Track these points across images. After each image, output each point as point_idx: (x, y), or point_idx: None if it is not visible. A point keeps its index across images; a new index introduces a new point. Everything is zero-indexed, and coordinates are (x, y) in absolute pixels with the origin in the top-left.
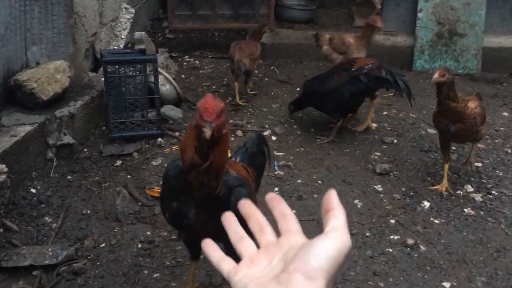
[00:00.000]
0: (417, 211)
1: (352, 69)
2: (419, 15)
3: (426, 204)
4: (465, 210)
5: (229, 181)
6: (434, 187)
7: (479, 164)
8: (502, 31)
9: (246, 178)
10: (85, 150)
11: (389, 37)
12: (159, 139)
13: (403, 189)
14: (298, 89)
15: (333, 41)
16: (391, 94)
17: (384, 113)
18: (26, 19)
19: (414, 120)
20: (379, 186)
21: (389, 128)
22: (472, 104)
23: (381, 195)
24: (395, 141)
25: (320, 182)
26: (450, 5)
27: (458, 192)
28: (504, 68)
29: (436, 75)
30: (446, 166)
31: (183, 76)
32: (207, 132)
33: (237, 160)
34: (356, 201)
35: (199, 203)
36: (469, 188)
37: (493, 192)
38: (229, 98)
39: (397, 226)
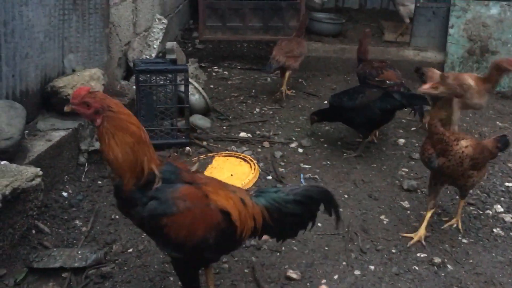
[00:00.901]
0: (445, 229)
1: (376, 79)
2: (450, 31)
3: (455, 223)
4: (494, 230)
5: (149, 188)
6: (408, 235)
7: (510, 184)
8: None
9: (182, 198)
10: None
11: (418, 53)
12: (187, 148)
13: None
14: (325, 102)
15: (446, 80)
16: None
17: (412, 128)
18: (64, 27)
19: None
20: (406, 202)
21: (417, 144)
22: (464, 142)
23: (408, 212)
24: None
25: (346, 196)
26: (482, 22)
27: (487, 211)
28: None
29: (426, 85)
30: (428, 214)
31: (211, 86)
32: (66, 108)
33: (252, 196)
34: (382, 217)
35: (115, 192)
36: (499, 208)
37: None
38: (256, 110)
39: (423, 244)
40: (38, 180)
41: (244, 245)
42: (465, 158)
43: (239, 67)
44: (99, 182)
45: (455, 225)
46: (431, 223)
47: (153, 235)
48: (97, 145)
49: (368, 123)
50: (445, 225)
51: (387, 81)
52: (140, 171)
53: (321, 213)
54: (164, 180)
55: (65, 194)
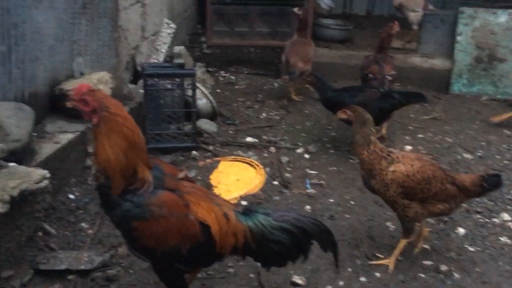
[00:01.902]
0: (451, 237)
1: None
2: (458, 38)
3: (461, 230)
4: (501, 238)
5: (132, 192)
6: (379, 262)
7: None
8: None
9: (159, 205)
10: None
11: (426, 60)
12: (194, 152)
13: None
14: None
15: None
16: (426, 117)
17: (419, 135)
18: (73, 31)
19: (450, 144)
20: None
21: (424, 152)
22: (396, 167)
23: None
24: None
25: (352, 202)
26: (490, 29)
27: (494, 220)
28: None
29: (339, 112)
30: (402, 243)
31: (218, 90)
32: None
33: (238, 213)
34: (388, 223)
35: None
36: (506, 217)
37: None
38: (263, 115)
39: (430, 252)
40: (46, 182)
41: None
42: (391, 185)
43: (246, 72)
44: None
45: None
46: (437, 231)
47: (124, 237)
48: None
49: None
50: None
51: (369, 75)
52: (131, 176)
53: (328, 219)
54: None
55: (72, 196)
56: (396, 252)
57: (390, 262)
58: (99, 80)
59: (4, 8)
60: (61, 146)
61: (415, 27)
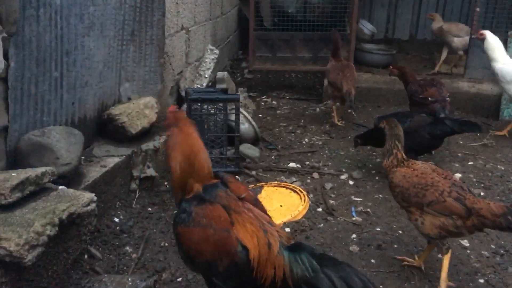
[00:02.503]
0: (509, 271)
1: (420, 96)
2: None
3: None
4: None
5: (186, 201)
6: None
7: None
8: None
9: (201, 215)
10: (166, 183)
11: (474, 85)
12: (237, 177)
13: (492, 246)
14: None
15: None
16: (476, 144)
17: (470, 163)
18: (122, 57)
19: (502, 172)
20: (465, 241)
21: (475, 180)
22: (399, 169)
23: (468, 251)
24: (482, 194)
25: (400, 232)
26: None
27: None
28: None
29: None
30: (444, 260)
31: (260, 115)
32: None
33: (285, 246)
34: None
35: None
36: None
37: None
38: (305, 140)
39: (486, 287)
40: (93, 205)
41: None
42: (391, 184)
43: (287, 97)
44: (149, 209)
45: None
46: (493, 265)
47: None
48: (149, 172)
49: (417, 147)
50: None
51: (429, 98)
52: (186, 188)
53: (375, 248)
54: (200, 197)
55: (116, 219)
56: (443, 275)
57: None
58: (145, 105)
59: (58, 36)
60: (107, 169)
61: (460, 52)
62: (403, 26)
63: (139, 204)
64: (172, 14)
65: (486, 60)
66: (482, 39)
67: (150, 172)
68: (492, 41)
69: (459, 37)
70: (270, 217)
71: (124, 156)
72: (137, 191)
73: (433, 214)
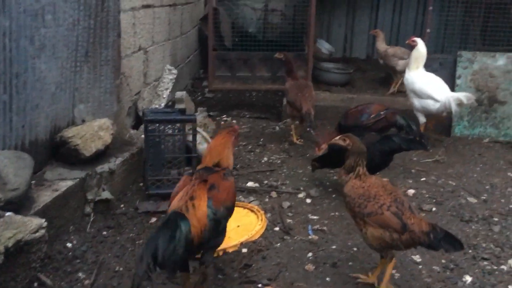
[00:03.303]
0: (458, 285)
1: (372, 116)
2: (458, 81)
3: (468, 278)
4: (510, 287)
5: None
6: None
7: None
8: None
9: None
10: (122, 206)
11: None
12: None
13: (443, 261)
14: None
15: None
16: (429, 160)
17: (422, 179)
18: (75, 78)
19: (453, 187)
20: (417, 256)
21: (427, 195)
22: (351, 181)
23: (420, 266)
24: (434, 209)
25: (355, 249)
26: (489, 72)
27: (502, 267)
28: None
29: (339, 137)
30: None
31: None
32: None
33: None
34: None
35: None
36: None
37: None
38: (264, 159)
39: None
40: (42, 232)
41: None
42: (344, 196)
43: (247, 116)
44: (104, 233)
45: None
46: (443, 279)
47: None
48: (104, 194)
49: (368, 165)
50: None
51: (381, 112)
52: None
53: (330, 267)
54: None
55: (69, 245)
56: (385, 279)
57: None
58: (100, 127)
59: (7, 58)
60: (59, 193)
61: (400, 75)
62: (360, 45)
63: (94, 228)
64: (128, 34)
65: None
66: (413, 46)
67: (105, 195)
68: (421, 50)
69: (403, 60)
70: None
71: (78, 179)
72: (92, 214)
73: (373, 226)
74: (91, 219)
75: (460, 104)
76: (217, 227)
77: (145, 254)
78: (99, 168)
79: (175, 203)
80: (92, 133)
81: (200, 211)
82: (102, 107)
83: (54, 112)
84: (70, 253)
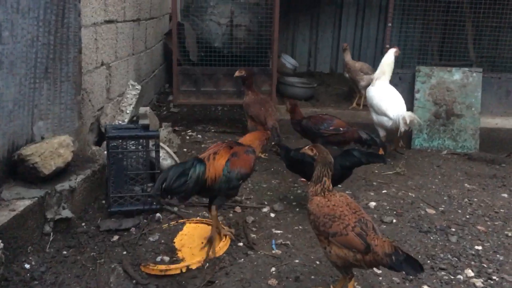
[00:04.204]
0: None
1: (331, 128)
2: (416, 95)
3: None
4: None
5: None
6: None
7: (479, 248)
8: (499, 112)
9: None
10: (83, 224)
11: None
12: (158, 214)
13: (403, 272)
14: None
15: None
16: (390, 172)
17: (384, 191)
18: (34, 95)
19: (413, 199)
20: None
21: (388, 207)
22: (316, 198)
23: (380, 278)
24: (394, 221)
25: (318, 262)
26: (446, 86)
27: (459, 276)
28: (502, 149)
29: (308, 147)
30: (350, 284)
31: (185, 150)
32: None
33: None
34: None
35: None
36: (470, 273)
37: (494, 277)
38: None
39: None
40: None
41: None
42: (309, 214)
43: (213, 130)
44: (64, 252)
45: None
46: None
47: None
48: (64, 213)
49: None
50: None
51: (341, 128)
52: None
53: (293, 281)
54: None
55: (27, 266)
56: None
57: None
58: (60, 144)
59: None
60: (17, 213)
61: (362, 91)
62: (324, 60)
63: (53, 247)
64: (90, 50)
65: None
66: (386, 51)
67: (66, 213)
68: (390, 58)
69: (368, 75)
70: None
71: (36, 198)
72: (51, 234)
73: (337, 245)
74: (51, 238)
75: (405, 123)
76: (229, 183)
77: (157, 180)
78: (59, 186)
79: (201, 155)
80: (51, 150)
81: (217, 163)
82: (63, 124)
83: (12, 130)
84: (28, 274)
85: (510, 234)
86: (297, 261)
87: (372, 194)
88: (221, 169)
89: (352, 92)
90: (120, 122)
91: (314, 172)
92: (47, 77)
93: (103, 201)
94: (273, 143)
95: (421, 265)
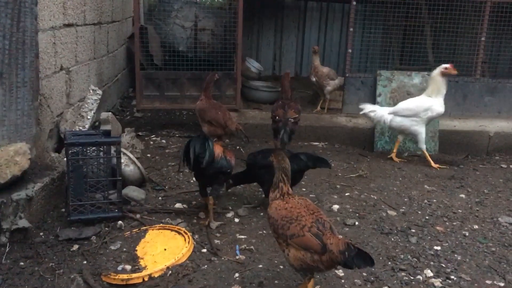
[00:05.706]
0: None
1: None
2: (378, 99)
3: None
4: None
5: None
6: None
7: (438, 248)
8: (457, 115)
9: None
10: (41, 233)
11: (351, 119)
12: (119, 222)
13: (364, 274)
14: None
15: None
16: (353, 175)
17: (347, 194)
18: None
19: (375, 201)
20: (340, 271)
21: (351, 210)
22: (275, 202)
23: (342, 281)
24: (356, 223)
25: (281, 267)
26: (406, 90)
27: (418, 277)
28: (460, 150)
29: (273, 155)
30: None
31: (148, 155)
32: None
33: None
34: (316, 287)
35: None
36: (429, 273)
37: (452, 277)
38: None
39: None
40: None
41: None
42: (268, 218)
43: (177, 135)
44: (22, 263)
45: None
46: None
47: None
48: (21, 223)
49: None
50: None
51: (276, 117)
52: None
53: (257, 286)
54: None
55: None
56: None
57: None
58: (16, 152)
59: None
60: None
61: (327, 96)
62: (289, 64)
63: (10, 259)
64: (48, 54)
65: (361, 97)
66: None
67: (23, 223)
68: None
69: (334, 81)
70: None
71: None
72: (8, 245)
73: (295, 247)
74: (7, 249)
75: None
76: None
77: (181, 152)
78: (15, 195)
79: None
80: (7, 158)
81: (217, 147)
82: (19, 131)
83: None
84: None
85: (467, 234)
86: (260, 266)
87: (335, 197)
88: (222, 151)
89: (317, 96)
90: (80, 128)
91: (274, 178)
92: (2, 82)
93: (63, 210)
94: (242, 142)
95: (372, 259)
